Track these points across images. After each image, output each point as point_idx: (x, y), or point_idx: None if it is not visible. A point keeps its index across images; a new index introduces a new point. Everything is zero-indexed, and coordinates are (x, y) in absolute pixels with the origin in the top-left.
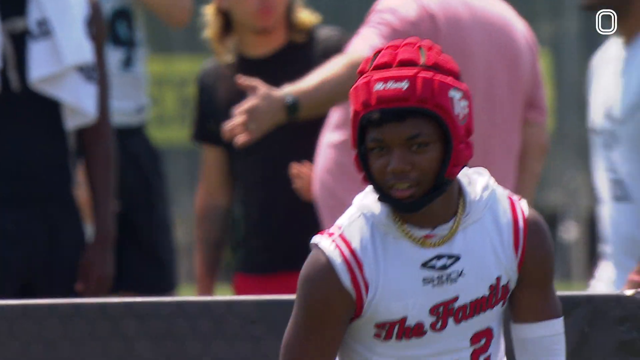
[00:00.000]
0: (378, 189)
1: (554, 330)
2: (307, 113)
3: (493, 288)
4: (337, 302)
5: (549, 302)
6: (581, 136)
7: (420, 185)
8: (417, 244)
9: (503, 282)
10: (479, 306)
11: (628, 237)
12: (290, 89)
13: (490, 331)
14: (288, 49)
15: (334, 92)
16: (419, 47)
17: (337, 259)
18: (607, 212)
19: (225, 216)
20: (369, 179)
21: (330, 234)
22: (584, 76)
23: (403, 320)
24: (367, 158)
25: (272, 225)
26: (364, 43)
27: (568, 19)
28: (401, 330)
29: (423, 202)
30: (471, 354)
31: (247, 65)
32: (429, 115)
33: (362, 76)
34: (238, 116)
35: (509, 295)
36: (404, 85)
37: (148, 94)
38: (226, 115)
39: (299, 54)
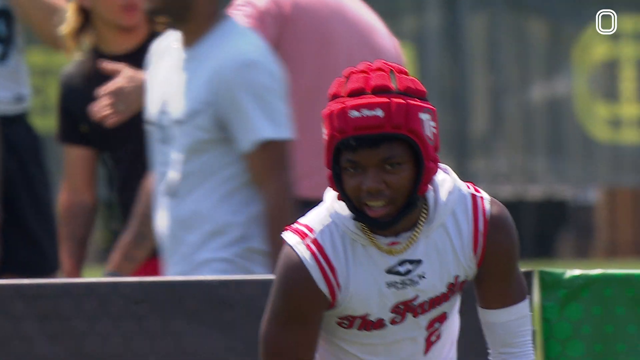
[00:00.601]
0: (352, 207)
1: (518, 314)
2: None
3: (452, 286)
4: (313, 302)
5: (512, 288)
6: (444, 128)
7: (393, 204)
8: (382, 251)
9: (461, 279)
10: (437, 302)
11: (173, 233)
12: None
13: (445, 315)
14: (149, 44)
15: None
16: (390, 71)
17: (312, 265)
18: (160, 206)
19: (90, 213)
20: (343, 197)
21: (303, 236)
22: (446, 69)
23: (365, 316)
24: (341, 177)
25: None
26: None
27: (430, 14)
28: (363, 323)
29: (396, 219)
30: (425, 337)
31: (109, 60)
32: (403, 139)
33: (336, 100)
34: (104, 98)
35: (464, 284)
36: (379, 113)
37: (31, 84)
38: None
39: None
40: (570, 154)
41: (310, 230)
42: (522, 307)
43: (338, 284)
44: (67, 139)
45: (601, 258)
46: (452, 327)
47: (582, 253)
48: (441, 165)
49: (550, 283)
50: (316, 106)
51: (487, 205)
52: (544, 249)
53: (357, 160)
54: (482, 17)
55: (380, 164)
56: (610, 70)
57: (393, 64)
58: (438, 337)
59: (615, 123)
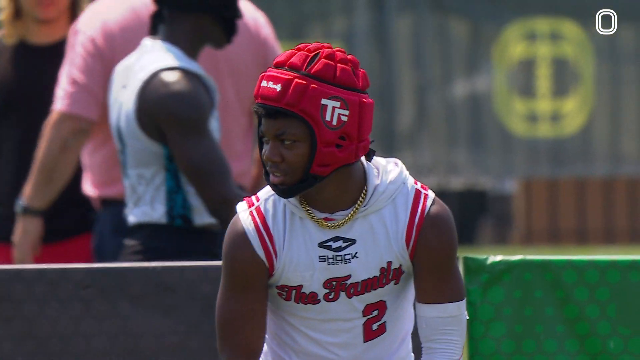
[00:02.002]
0: (265, 171)
1: (446, 312)
2: (49, 202)
3: (384, 270)
4: (253, 267)
5: (445, 288)
6: (378, 125)
7: (288, 176)
8: (318, 225)
9: (394, 265)
10: (370, 284)
11: None
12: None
13: (384, 303)
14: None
15: (56, 169)
16: (315, 54)
17: (251, 230)
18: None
19: None
20: (262, 161)
21: (250, 204)
22: (374, 67)
23: (299, 287)
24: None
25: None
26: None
27: (359, 15)
28: (298, 295)
29: (291, 190)
30: (364, 323)
31: (29, 51)
32: (297, 117)
33: (267, 68)
34: None
35: (403, 276)
36: (278, 88)
37: None
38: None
39: None
40: (489, 147)
41: (257, 199)
42: (452, 308)
43: (275, 251)
44: None
45: (518, 245)
46: (401, 323)
47: (501, 240)
48: (393, 159)
49: (474, 268)
50: None
51: (429, 203)
52: (465, 236)
53: (263, 130)
54: (407, 18)
55: (278, 138)
56: (527, 68)
57: (336, 50)
58: (382, 328)
59: (532, 118)
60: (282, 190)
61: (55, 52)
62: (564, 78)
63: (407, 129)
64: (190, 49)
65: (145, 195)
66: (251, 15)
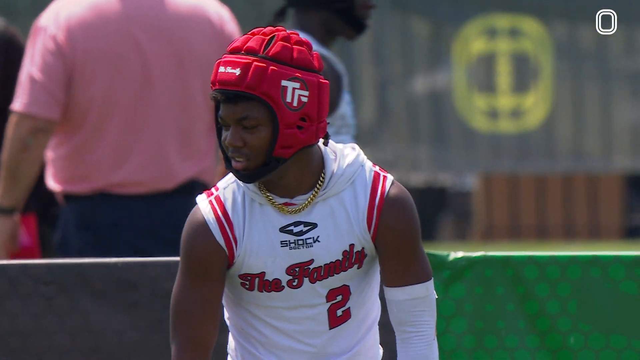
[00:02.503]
0: (225, 158)
1: (414, 294)
2: (19, 200)
3: (346, 254)
4: (212, 255)
5: (410, 269)
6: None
7: (251, 160)
8: (278, 211)
9: (357, 248)
10: (332, 268)
11: None
12: None
13: (347, 288)
14: None
15: (19, 168)
16: (271, 37)
17: (211, 218)
18: None
19: None
20: (220, 149)
21: (209, 194)
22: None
23: (262, 274)
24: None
25: None
26: (24, 96)
27: None
28: (261, 283)
29: (254, 175)
30: (328, 309)
31: None
32: (259, 100)
33: (223, 55)
34: None
35: (366, 259)
36: (237, 71)
37: None
38: None
39: None
40: (450, 143)
41: (217, 188)
42: (419, 289)
43: (234, 238)
44: None
45: (479, 241)
46: (366, 309)
47: (461, 236)
48: (350, 144)
49: (435, 264)
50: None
51: (388, 185)
52: (426, 232)
53: (222, 116)
54: None
55: (239, 122)
56: (487, 65)
57: (291, 33)
58: (347, 314)
59: (492, 114)
60: (245, 176)
61: None
62: (524, 74)
63: (368, 124)
64: (322, 40)
65: None
66: (216, 10)
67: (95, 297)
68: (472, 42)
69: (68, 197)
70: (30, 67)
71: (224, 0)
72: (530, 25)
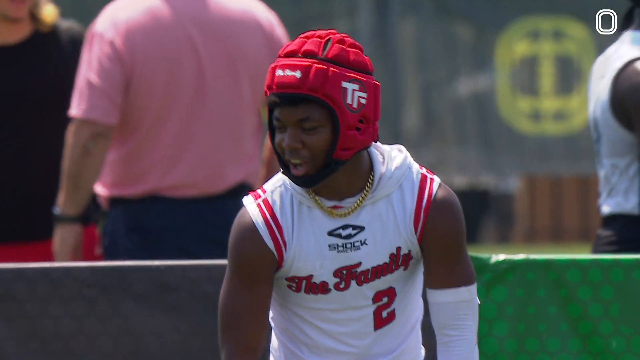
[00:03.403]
0: (281, 162)
1: (458, 297)
2: (81, 207)
3: (393, 256)
4: (262, 259)
5: (455, 272)
6: (385, 126)
7: (311, 163)
8: (326, 214)
9: (403, 251)
10: (380, 271)
11: None
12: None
13: (393, 290)
14: (35, 38)
15: (80, 175)
16: (328, 40)
17: (260, 222)
18: None
19: None
20: (275, 152)
21: (257, 197)
22: (377, 71)
23: (309, 277)
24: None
25: (21, 195)
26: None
27: (362, 17)
28: (308, 285)
29: (315, 179)
30: (374, 311)
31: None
32: (320, 102)
33: (276, 60)
34: None
35: (412, 261)
36: (297, 74)
37: None
38: None
39: (47, 43)
40: (493, 145)
41: (264, 191)
42: (463, 292)
43: (284, 242)
44: None
45: (521, 243)
46: (410, 310)
47: (504, 239)
48: (397, 145)
49: (477, 267)
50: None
51: (435, 187)
52: (468, 235)
53: (280, 118)
54: (411, 20)
55: (299, 124)
56: (530, 67)
57: (344, 36)
58: (392, 316)
59: (535, 116)
60: (306, 181)
61: (21, 52)
62: (567, 76)
63: (413, 128)
64: None
65: (618, 186)
66: (265, 15)
67: (137, 300)
68: (515, 44)
69: (116, 200)
70: (88, 72)
71: (266, 1)
72: (574, 28)
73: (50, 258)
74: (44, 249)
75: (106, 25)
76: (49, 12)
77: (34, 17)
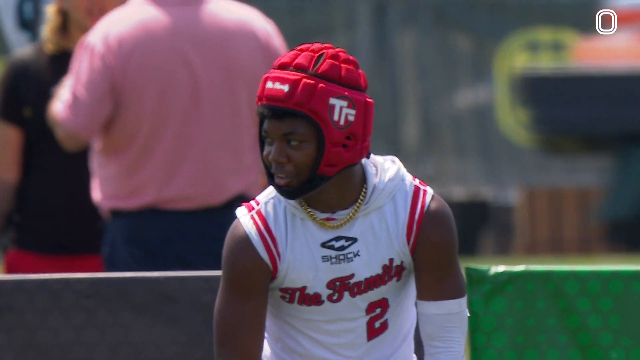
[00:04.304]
0: (268, 173)
1: (447, 309)
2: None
3: (386, 268)
4: (256, 271)
5: (445, 284)
6: (376, 133)
7: (295, 177)
8: (319, 226)
9: (396, 262)
10: (373, 283)
11: None
12: None
13: (386, 301)
14: None
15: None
16: (320, 55)
17: (254, 233)
18: None
19: (12, 191)
20: (263, 162)
21: (250, 209)
22: (376, 82)
23: (303, 289)
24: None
25: (70, 209)
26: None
27: (361, 30)
28: (301, 297)
29: (298, 192)
30: (367, 322)
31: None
32: (306, 117)
33: (270, 70)
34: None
35: (404, 272)
36: (285, 88)
37: None
38: (44, 102)
39: None
40: (492, 156)
41: (257, 203)
42: (453, 305)
43: (278, 254)
44: (7, 117)
45: (521, 255)
46: (403, 319)
47: (503, 250)
48: (390, 157)
49: (476, 278)
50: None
51: (428, 199)
52: (468, 246)
53: (267, 130)
54: (410, 32)
55: (284, 138)
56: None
57: (339, 50)
58: (385, 326)
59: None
60: (288, 192)
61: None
62: None
63: (412, 139)
64: None
65: None
66: (261, 25)
67: (136, 311)
68: (514, 56)
69: (116, 212)
70: (76, 84)
71: (266, 14)
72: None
73: (96, 270)
74: (90, 263)
75: (98, 38)
76: None
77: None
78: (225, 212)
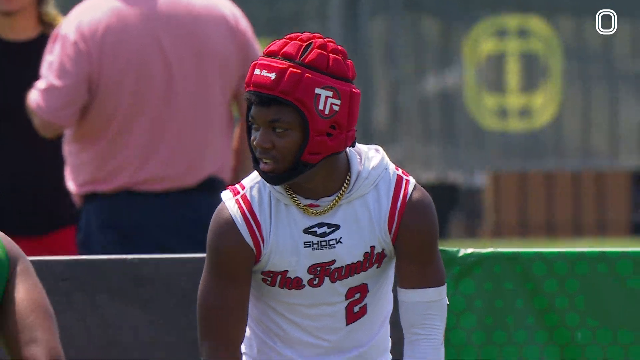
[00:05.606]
0: (254, 158)
1: (428, 297)
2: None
3: (367, 255)
4: (241, 255)
5: (426, 272)
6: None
7: (279, 163)
8: (302, 212)
9: (377, 250)
10: (353, 269)
11: None
12: None
13: (365, 286)
14: (42, 40)
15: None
16: (308, 44)
17: (239, 217)
18: None
19: None
20: (250, 147)
21: (236, 193)
22: None
23: (284, 272)
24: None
25: (25, 190)
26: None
27: (332, 19)
28: (283, 280)
29: (281, 178)
30: (346, 306)
31: (4, 46)
32: (291, 106)
33: (259, 57)
34: None
35: (385, 259)
36: (272, 76)
37: None
38: None
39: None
40: (460, 141)
41: (242, 187)
42: (433, 293)
43: (262, 238)
44: None
45: (488, 238)
46: (381, 304)
47: (471, 233)
48: (374, 145)
49: (446, 260)
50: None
51: (410, 189)
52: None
53: (254, 116)
54: (381, 17)
55: (270, 125)
56: (496, 64)
57: (327, 40)
58: (364, 310)
59: (502, 112)
60: (272, 178)
61: (31, 49)
62: (533, 74)
63: (380, 124)
64: None
65: None
66: (229, 8)
67: (112, 294)
68: (482, 42)
69: (90, 196)
70: (48, 74)
71: (239, 1)
72: (539, 25)
73: (49, 252)
74: (44, 243)
75: (70, 27)
76: (53, 15)
77: (42, 20)
78: (198, 194)
